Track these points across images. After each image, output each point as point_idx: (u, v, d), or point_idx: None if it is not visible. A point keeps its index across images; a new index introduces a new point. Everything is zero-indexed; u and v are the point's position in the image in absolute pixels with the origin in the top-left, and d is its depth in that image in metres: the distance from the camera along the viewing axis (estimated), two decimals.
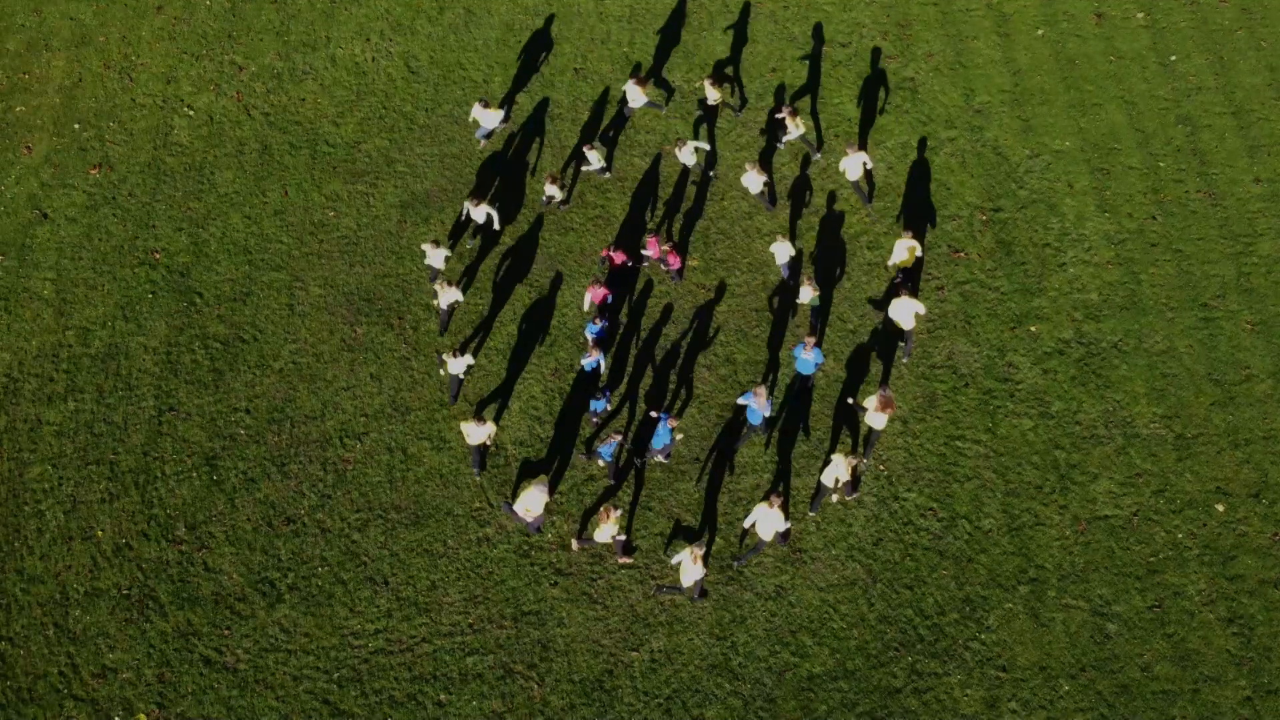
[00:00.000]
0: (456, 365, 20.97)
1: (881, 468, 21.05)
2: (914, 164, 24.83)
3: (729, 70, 26.45)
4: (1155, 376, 21.90)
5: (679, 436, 20.49)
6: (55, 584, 20.31)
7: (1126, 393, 21.72)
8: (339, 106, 26.27)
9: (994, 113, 25.51)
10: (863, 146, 24.83)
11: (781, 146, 24.96)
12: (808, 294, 21.42)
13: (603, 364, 21.28)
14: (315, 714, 18.98)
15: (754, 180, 22.88)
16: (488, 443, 20.95)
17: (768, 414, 20.26)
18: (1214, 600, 19.57)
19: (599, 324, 21.31)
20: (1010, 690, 18.89)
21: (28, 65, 27.24)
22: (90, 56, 27.37)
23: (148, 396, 22.28)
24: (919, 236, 23.62)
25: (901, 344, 22.24)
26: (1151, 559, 20.01)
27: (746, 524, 19.38)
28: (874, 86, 26.08)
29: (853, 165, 23.21)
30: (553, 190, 23.68)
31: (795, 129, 23.92)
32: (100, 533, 20.82)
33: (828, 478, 19.71)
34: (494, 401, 22.00)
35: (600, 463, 21.06)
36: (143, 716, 19.05)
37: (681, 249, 23.70)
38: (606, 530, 19.10)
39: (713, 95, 24.84)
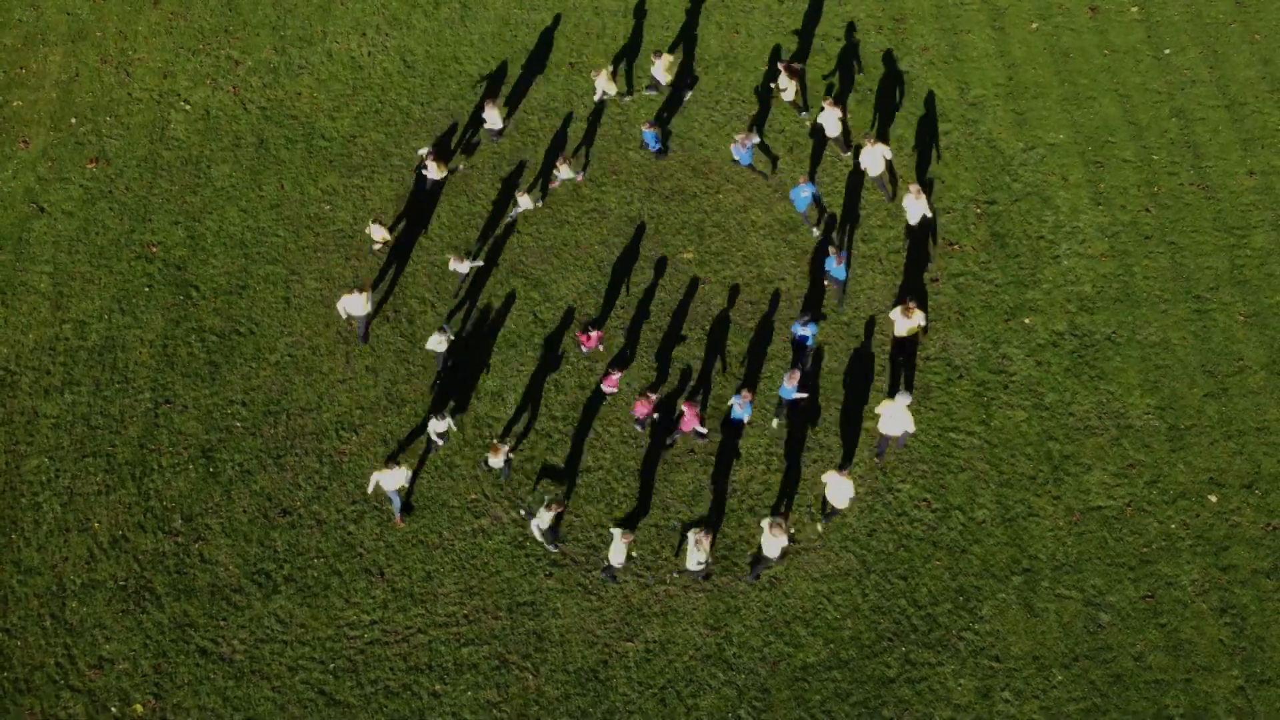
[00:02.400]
0: (462, 266, 22.20)
1: (875, 459, 21.11)
2: (908, 158, 24.88)
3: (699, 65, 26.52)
4: (1149, 368, 21.97)
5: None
6: (52, 575, 20.37)
7: (1120, 384, 21.78)
8: (335, 101, 26.33)
9: (988, 106, 25.56)
10: (880, 139, 24.86)
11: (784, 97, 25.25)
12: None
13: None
14: (311, 704, 19.05)
15: (830, 120, 23.81)
16: (370, 310, 22.19)
17: (810, 338, 21.34)
18: (1207, 590, 19.63)
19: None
20: (1003, 680, 18.96)
21: (25, 60, 27.30)
22: (87, 51, 27.43)
23: (144, 389, 22.34)
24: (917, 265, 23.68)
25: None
26: (1144, 549, 20.07)
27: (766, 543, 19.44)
28: (868, 80, 26.13)
29: (873, 159, 23.27)
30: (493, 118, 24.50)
31: (789, 89, 24.44)
32: (97, 524, 20.88)
33: (886, 426, 20.00)
34: (490, 396, 22.08)
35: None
36: (139, 707, 19.11)
37: (673, 245, 23.77)
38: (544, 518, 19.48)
39: (788, 89, 24.78)
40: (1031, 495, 20.67)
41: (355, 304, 21.73)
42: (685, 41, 27.02)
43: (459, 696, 19.06)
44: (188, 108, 26.39)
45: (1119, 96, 25.65)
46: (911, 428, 20.08)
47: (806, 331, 21.40)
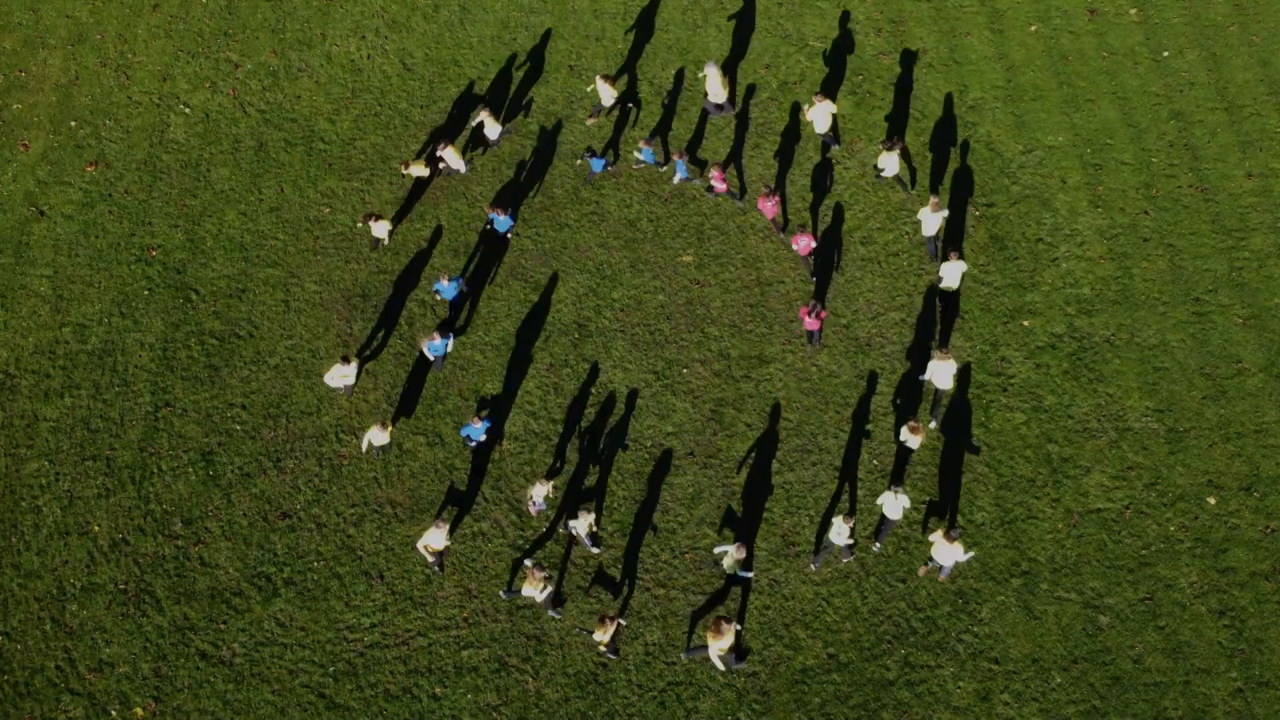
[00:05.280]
0: (437, 346, 21.75)
1: (875, 462, 21.14)
2: (907, 160, 24.91)
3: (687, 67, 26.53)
4: (1147, 370, 21.99)
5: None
6: (52, 579, 20.40)
7: (1119, 386, 21.81)
8: (334, 103, 26.36)
9: (987, 108, 25.59)
10: (832, 97, 25.29)
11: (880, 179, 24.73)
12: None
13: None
14: (311, 707, 19.08)
15: (931, 220, 22.62)
16: (352, 382, 21.63)
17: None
18: (1205, 593, 19.66)
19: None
20: (1003, 682, 18.99)
21: (24, 63, 27.32)
22: (87, 54, 27.45)
23: (144, 392, 22.37)
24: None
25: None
26: (1143, 552, 20.10)
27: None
28: (868, 83, 26.16)
29: (820, 115, 23.84)
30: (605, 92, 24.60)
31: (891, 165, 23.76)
32: (97, 528, 20.90)
33: (835, 535, 19.65)
34: (491, 400, 22.11)
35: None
36: (139, 710, 19.13)
37: (672, 244, 23.79)
38: (531, 590, 18.86)
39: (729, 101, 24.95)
40: (1030, 498, 20.70)
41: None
42: (685, 44, 27.05)
43: (459, 699, 19.08)
44: (187, 111, 26.41)
45: (1118, 99, 25.67)
46: (951, 385, 20.56)
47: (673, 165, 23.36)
